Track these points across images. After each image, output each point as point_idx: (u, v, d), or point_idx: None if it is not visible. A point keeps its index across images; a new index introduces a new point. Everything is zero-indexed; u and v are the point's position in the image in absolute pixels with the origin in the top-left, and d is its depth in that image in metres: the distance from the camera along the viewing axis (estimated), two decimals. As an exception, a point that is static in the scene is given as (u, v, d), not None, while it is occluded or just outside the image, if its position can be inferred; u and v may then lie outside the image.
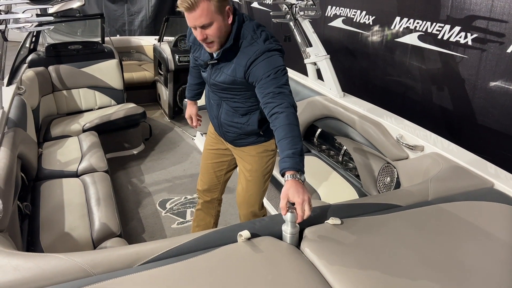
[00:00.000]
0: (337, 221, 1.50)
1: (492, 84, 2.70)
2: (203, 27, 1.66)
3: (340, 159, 3.08)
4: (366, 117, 2.68)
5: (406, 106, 3.47)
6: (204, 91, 2.32)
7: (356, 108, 2.80)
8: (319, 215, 1.55)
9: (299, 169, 1.50)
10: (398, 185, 2.43)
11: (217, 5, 1.62)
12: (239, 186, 2.28)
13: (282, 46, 1.83)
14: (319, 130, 3.30)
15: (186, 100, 2.48)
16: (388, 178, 2.54)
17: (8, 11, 2.36)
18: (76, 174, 2.86)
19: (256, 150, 2.14)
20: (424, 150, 2.29)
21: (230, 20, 1.72)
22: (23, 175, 2.53)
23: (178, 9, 1.65)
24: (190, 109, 2.39)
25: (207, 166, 2.36)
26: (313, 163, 3.11)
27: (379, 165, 2.62)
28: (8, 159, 2.09)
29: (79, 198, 2.54)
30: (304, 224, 1.48)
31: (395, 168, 2.46)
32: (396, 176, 2.45)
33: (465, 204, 1.69)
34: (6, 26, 2.34)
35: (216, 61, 1.85)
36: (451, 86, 3.05)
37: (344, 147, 3.03)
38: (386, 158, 2.50)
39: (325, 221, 1.51)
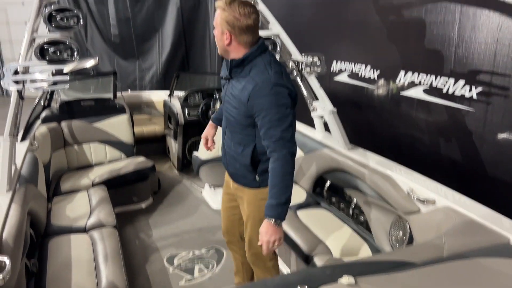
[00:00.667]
0: (351, 279, 1.46)
1: (500, 136, 2.71)
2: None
3: (351, 212, 3.03)
4: (375, 170, 2.67)
5: (415, 158, 3.46)
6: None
7: (364, 161, 2.80)
8: (332, 273, 1.51)
9: (279, 217, 1.85)
10: (411, 239, 2.38)
11: (221, 21, 1.88)
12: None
13: (294, 87, 1.91)
14: (328, 182, 3.28)
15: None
16: (401, 232, 2.49)
17: (25, 71, 2.46)
18: (84, 229, 2.84)
19: (256, 197, 2.16)
20: (436, 204, 2.26)
21: (226, 43, 1.89)
22: (31, 231, 2.52)
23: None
24: (208, 130, 2.50)
25: (223, 209, 2.49)
26: (323, 217, 3.06)
27: (391, 218, 2.58)
28: (18, 216, 2.09)
29: (87, 254, 2.51)
30: (317, 283, 1.44)
31: (407, 221, 2.42)
32: (409, 230, 2.40)
33: (481, 261, 1.64)
34: (23, 86, 2.43)
35: (230, 77, 2.00)
36: (459, 138, 3.06)
37: (355, 200, 2.99)
38: (397, 211, 2.47)
39: (339, 280, 1.47)
